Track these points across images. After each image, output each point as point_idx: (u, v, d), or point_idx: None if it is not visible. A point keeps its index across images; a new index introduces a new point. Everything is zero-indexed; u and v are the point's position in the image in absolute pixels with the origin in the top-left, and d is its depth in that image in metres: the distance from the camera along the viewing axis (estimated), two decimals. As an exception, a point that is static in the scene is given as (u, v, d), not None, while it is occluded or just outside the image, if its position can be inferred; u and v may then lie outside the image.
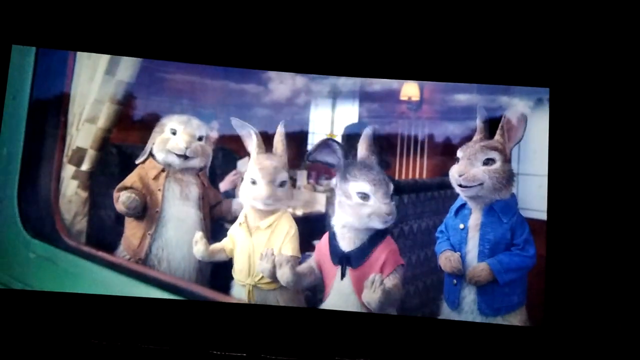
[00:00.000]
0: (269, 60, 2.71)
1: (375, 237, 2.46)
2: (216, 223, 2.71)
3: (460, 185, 2.49)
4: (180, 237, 2.65)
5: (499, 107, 2.61)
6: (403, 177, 2.62)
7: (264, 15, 2.71)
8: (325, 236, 2.53)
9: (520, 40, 2.67)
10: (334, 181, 2.52)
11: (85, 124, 2.67)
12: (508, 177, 2.49)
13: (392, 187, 2.44)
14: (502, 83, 2.65)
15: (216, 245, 2.63)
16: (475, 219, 2.51)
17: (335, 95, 2.73)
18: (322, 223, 2.55)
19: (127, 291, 2.60)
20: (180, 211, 2.66)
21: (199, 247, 2.60)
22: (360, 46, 2.71)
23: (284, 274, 2.48)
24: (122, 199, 2.61)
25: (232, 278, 2.61)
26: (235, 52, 2.71)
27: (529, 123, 2.53)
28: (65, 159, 2.65)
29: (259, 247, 2.56)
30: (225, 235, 2.64)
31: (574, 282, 2.55)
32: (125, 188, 2.63)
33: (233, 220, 2.65)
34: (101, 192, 2.66)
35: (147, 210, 2.64)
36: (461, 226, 2.52)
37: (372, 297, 2.39)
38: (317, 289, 2.56)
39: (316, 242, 2.58)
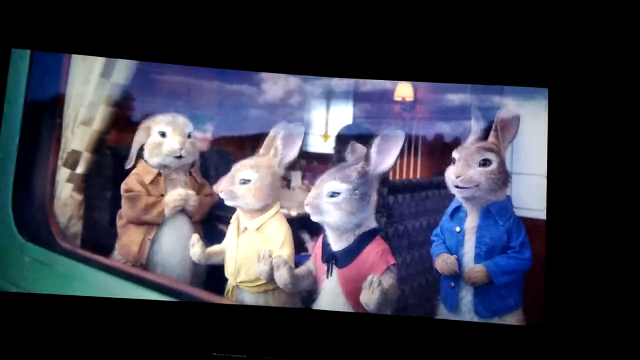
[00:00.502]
0: (261, 61, 2.71)
1: (364, 238, 2.46)
2: (209, 224, 2.70)
3: (456, 187, 2.49)
4: (175, 241, 2.64)
5: (492, 107, 2.61)
6: (397, 176, 2.61)
7: (257, 16, 2.71)
8: (322, 237, 2.54)
9: (520, 40, 2.67)
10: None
11: (81, 127, 2.66)
12: (504, 178, 2.49)
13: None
14: (500, 83, 2.64)
15: (213, 248, 2.63)
16: (471, 221, 2.50)
17: (329, 96, 2.72)
18: (316, 224, 2.53)
19: (124, 294, 2.58)
20: (176, 214, 2.66)
21: (196, 249, 2.60)
22: (353, 47, 2.71)
23: (282, 276, 2.48)
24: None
25: (226, 280, 2.61)
26: (229, 53, 2.71)
27: (525, 122, 2.53)
28: (60, 162, 2.64)
29: (244, 249, 2.57)
30: (218, 237, 2.64)
31: (574, 282, 2.54)
32: (131, 191, 2.62)
33: (227, 221, 2.65)
34: (96, 195, 2.65)
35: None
36: (457, 229, 2.51)
37: (370, 298, 2.40)
38: (314, 290, 2.55)
39: (310, 244, 2.58)
